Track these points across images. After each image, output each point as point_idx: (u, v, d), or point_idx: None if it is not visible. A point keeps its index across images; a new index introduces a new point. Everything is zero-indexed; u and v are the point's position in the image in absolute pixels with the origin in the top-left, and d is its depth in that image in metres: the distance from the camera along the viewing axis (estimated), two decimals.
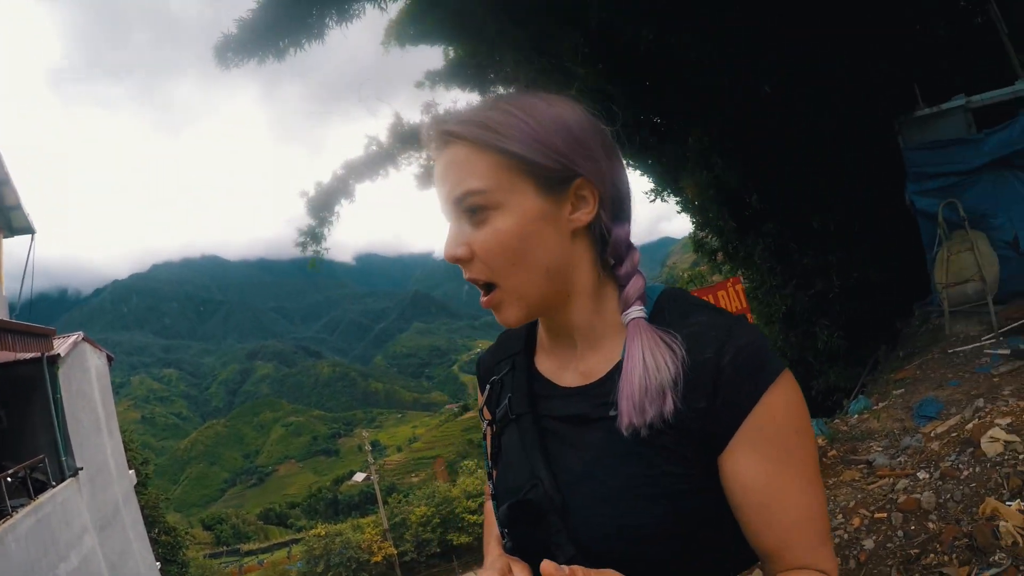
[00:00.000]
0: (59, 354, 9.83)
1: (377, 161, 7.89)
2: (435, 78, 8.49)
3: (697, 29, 5.51)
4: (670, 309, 0.77)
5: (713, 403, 0.69)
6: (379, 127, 7.68)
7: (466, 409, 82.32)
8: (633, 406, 0.70)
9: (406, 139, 7.65)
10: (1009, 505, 2.63)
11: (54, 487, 8.93)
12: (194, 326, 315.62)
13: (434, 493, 34.14)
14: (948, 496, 2.82)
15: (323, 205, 7.77)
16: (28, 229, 13.35)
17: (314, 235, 7.84)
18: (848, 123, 6.24)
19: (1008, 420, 3.11)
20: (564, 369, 0.82)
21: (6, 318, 8.30)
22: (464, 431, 68.71)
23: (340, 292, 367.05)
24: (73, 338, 11.04)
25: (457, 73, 8.40)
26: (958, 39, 6.06)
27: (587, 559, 0.70)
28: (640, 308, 0.75)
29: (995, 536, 2.50)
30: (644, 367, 0.70)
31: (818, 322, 7.39)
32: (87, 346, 11.93)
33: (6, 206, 12.61)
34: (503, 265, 0.74)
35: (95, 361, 12.44)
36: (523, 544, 0.77)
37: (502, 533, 0.80)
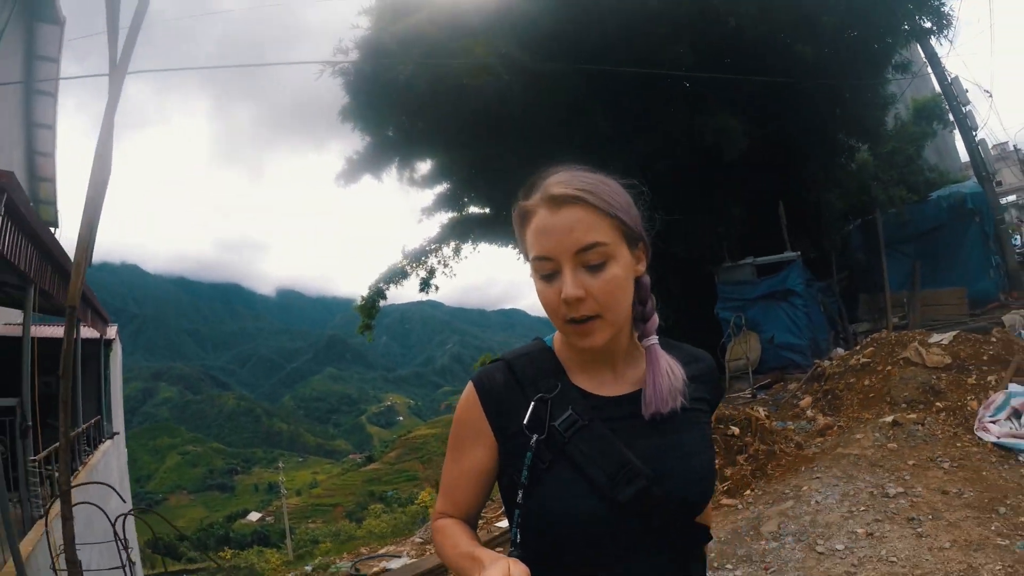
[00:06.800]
0: (113, 338, 12.48)
1: (396, 275, 13.12)
2: (428, 211, 13.61)
3: None
4: (662, 342, 1.10)
5: (713, 390, 1.14)
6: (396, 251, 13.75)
7: (370, 460, 79.00)
8: (666, 399, 1.01)
9: (412, 258, 13.24)
10: None
11: (102, 443, 11.18)
12: None
13: (339, 532, 34.05)
14: None
15: (370, 307, 12.90)
16: None
17: (368, 326, 13.03)
18: (687, 268, 10.90)
19: None
20: (603, 383, 1.06)
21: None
22: (366, 482, 66.30)
23: (256, 325, 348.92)
24: (114, 328, 13.59)
25: (441, 203, 13.47)
26: (756, 224, 10.65)
27: (678, 510, 0.99)
28: (655, 337, 1.06)
29: None
30: (671, 373, 1.03)
31: None
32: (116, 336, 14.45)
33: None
34: (612, 303, 0.96)
35: (117, 349, 14.92)
36: (624, 516, 0.96)
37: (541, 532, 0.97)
